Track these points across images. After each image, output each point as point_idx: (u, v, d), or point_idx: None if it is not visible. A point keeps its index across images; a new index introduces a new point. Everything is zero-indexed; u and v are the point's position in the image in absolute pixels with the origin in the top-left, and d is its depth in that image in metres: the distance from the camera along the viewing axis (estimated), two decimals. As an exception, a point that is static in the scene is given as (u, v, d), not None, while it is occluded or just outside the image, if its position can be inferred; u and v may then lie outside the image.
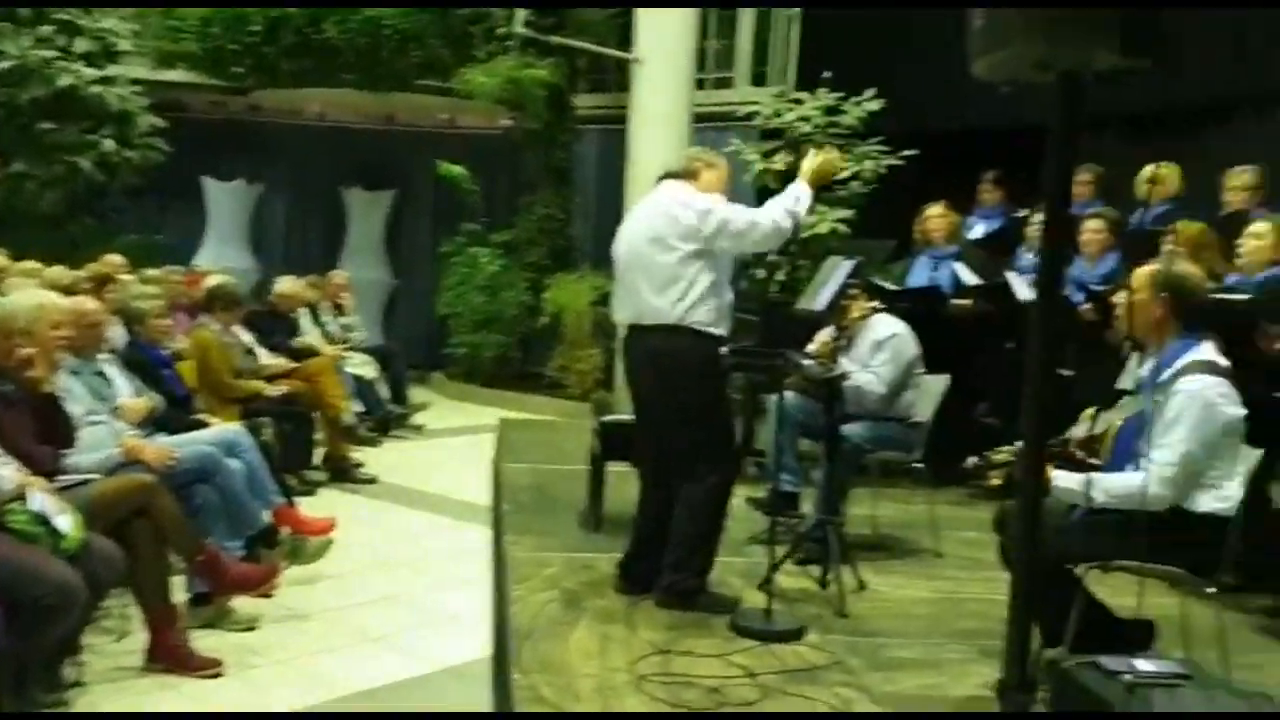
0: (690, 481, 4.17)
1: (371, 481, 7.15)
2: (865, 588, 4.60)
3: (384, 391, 8.80)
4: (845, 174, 7.90)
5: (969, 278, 6.37)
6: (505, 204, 11.88)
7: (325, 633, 4.53)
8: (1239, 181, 5.86)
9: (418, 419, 9.08)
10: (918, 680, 3.73)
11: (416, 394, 9.61)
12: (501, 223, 11.49)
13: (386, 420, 8.68)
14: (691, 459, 4.16)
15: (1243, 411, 3.51)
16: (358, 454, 7.50)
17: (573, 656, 3.75)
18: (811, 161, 4.36)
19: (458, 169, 10.79)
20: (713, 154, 4.42)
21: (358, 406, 8.06)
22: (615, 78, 11.29)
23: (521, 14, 9.85)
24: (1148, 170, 6.21)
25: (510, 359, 10.94)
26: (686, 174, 4.27)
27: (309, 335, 8.39)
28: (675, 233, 4.09)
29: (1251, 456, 3.59)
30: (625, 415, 4.94)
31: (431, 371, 11.38)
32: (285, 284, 8.42)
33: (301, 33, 10.40)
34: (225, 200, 11.83)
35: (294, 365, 7.32)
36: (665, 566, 4.24)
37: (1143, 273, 3.73)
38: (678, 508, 4.21)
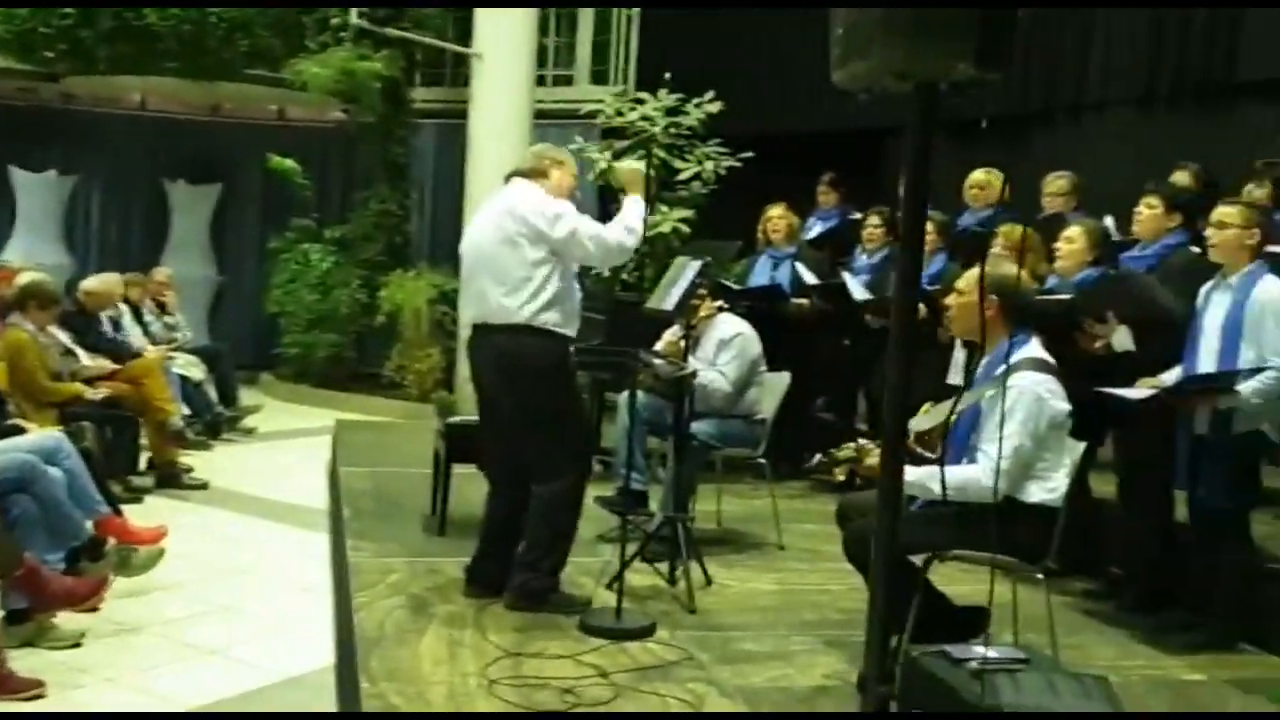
0: (544, 482, 4.14)
1: (203, 487, 6.87)
2: (712, 583, 4.67)
3: (212, 393, 8.47)
4: (686, 174, 8.02)
5: (808, 277, 6.53)
6: (339, 199, 11.59)
7: (157, 647, 4.33)
8: (1056, 186, 6.19)
9: (249, 421, 8.77)
10: (767, 673, 3.80)
11: (246, 396, 9.28)
12: (335, 218, 11.20)
13: (216, 423, 8.36)
14: (545, 460, 4.13)
15: (1068, 406, 3.71)
16: (187, 459, 7.19)
17: (422, 663, 3.69)
18: (622, 175, 4.38)
19: (288, 162, 10.45)
20: (561, 151, 4.39)
21: (185, 409, 7.73)
22: (454, 72, 11.15)
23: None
24: (974, 175, 6.50)
25: (344, 359, 10.66)
26: (536, 173, 4.22)
27: (131, 335, 7.99)
28: (525, 234, 4.05)
29: (1076, 449, 3.79)
30: (470, 416, 4.88)
31: (261, 372, 11.01)
32: (93, 282, 7.94)
33: (120, 17, 9.89)
34: (36, 192, 11.18)
35: (116, 367, 6.97)
36: (517, 565, 4.21)
37: (971, 275, 3.89)
38: (532, 508, 4.18)
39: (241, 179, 11.93)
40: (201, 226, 11.89)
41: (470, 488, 5.10)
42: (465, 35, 10.09)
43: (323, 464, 7.41)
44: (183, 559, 5.22)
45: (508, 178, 4.28)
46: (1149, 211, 4.80)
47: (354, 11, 9.63)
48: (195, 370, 8.26)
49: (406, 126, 10.83)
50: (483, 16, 9.69)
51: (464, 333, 4.42)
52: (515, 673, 3.61)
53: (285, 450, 8.36)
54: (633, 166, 4.34)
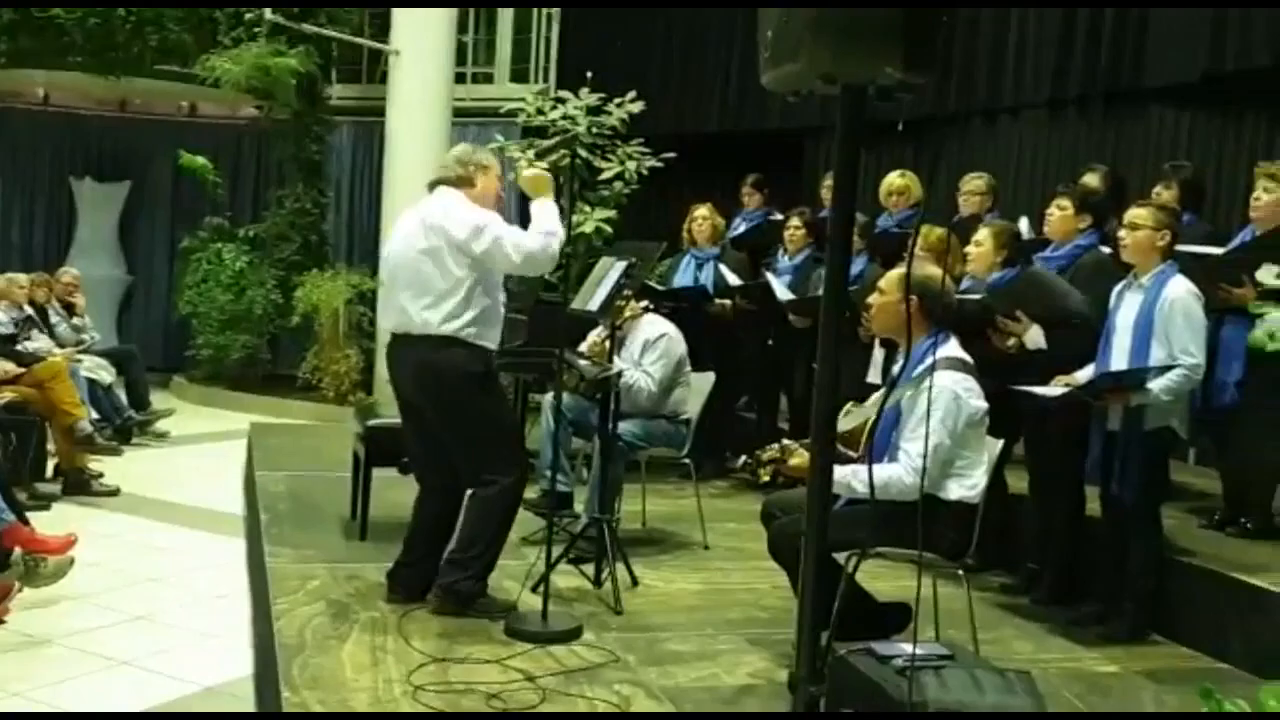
0: (479, 486, 4.08)
1: (113, 493, 6.69)
2: (639, 583, 4.66)
3: (122, 397, 8.27)
4: (609, 174, 8.01)
5: (731, 278, 6.57)
6: (252, 197, 11.38)
7: (68, 659, 4.20)
8: (973, 187, 6.31)
9: (161, 425, 8.56)
10: (693, 673, 3.80)
11: (158, 399, 9.06)
12: (249, 217, 10.99)
13: (127, 427, 8.15)
14: (479, 465, 4.07)
15: (985, 404, 3.78)
16: (96, 464, 6.99)
17: (344, 670, 3.62)
18: (525, 183, 4.23)
19: (200, 160, 10.24)
20: (484, 153, 4.27)
21: (93, 414, 7.52)
22: (372, 69, 11.01)
23: None
24: (891, 178, 6.59)
25: (259, 360, 10.47)
26: (462, 181, 4.11)
27: (36, 337, 7.75)
28: (447, 247, 3.96)
29: (994, 447, 3.86)
30: (390, 419, 4.81)
31: (173, 375, 10.76)
32: (-7, 281, 7.71)
33: (23, 10, 9.58)
34: (-68, 189, 10.82)
35: (20, 370, 6.75)
36: (446, 565, 4.14)
37: (892, 275, 3.95)
38: (466, 509, 4.11)
39: (151, 177, 11.66)
40: (110, 225, 11.59)
41: (391, 491, 5.03)
42: (383, 31, 9.98)
43: (238, 468, 7.26)
44: (93, 568, 5.08)
45: (431, 185, 4.18)
46: (1060, 213, 4.91)
47: (267, 8, 9.44)
48: (104, 373, 8.05)
49: (322, 124, 10.67)
50: (401, 13, 9.59)
51: (383, 339, 4.35)
52: (440, 678, 3.56)
53: (199, 454, 8.18)
54: (534, 173, 4.18)
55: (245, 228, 10.70)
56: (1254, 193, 4.76)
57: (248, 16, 9.83)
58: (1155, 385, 4.09)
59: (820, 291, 5.83)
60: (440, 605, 4.13)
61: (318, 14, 9.88)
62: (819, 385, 1.93)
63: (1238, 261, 4.55)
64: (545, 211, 4.10)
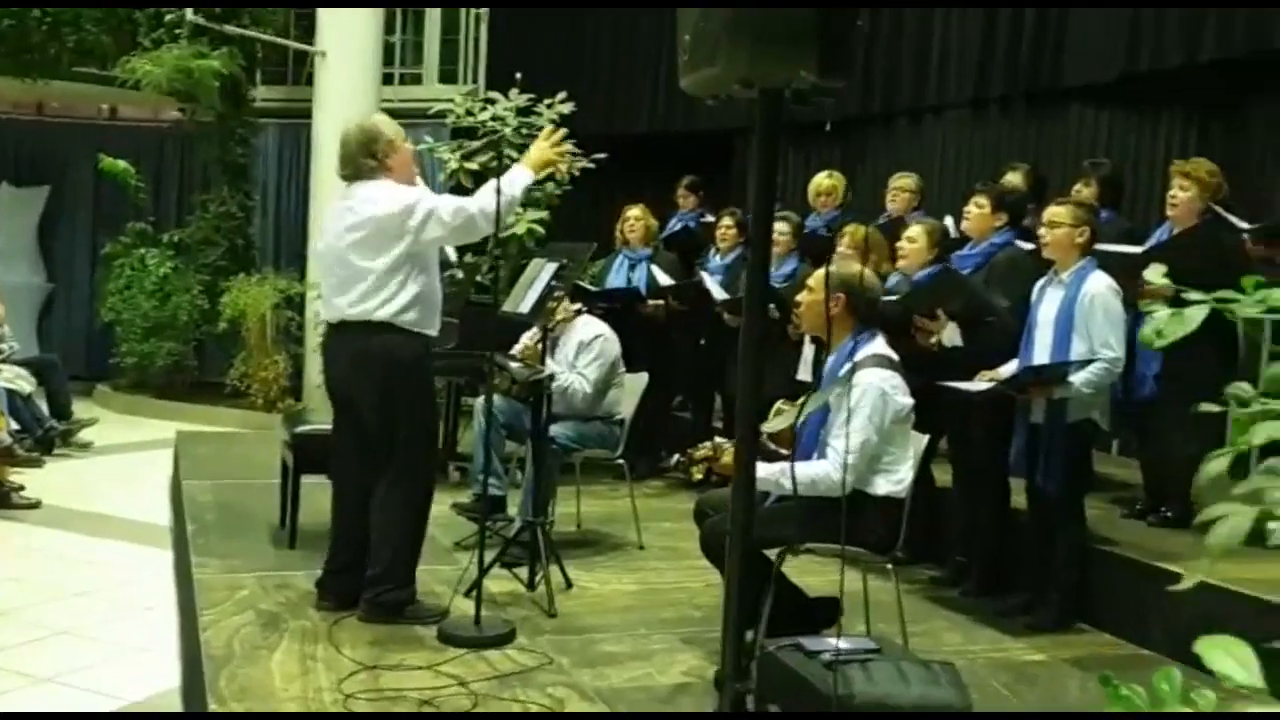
0: (388, 488, 4.05)
1: (35, 506, 6.53)
2: (573, 586, 4.66)
3: (43, 407, 8.08)
4: (540, 175, 7.98)
5: (663, 279, 6.59)
6: (176, 202, 11.17)
7: (-14, 678, 4.10)
8: (901, 185, 6.40)
9: (85, 435, 8.38)
10: (627, 673, 3.81)
11: (81, 408, 8.85)
12: (172, 222, 10.79)
13: (48, 438, 7.96)
14: (393, 463, 4.05)
15: (911, 400, 3.83)
16: (17, 476, 6.82)
17: (274, 680, 3.57)
18: (541, 149, 4.24)
19: (121, 164, 10.01)
20: (380, 126, 4.10)
21: (13, 424, 7.34)
22: (297, 70, 10.87)
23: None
24: (818, 179, 6.66)
25: (185, 368, 10.28)
26: (379, 169, 4.05)
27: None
28: (379, 232, 3.95)
29: (920, 442, 3.92)
30: (320, 425, 4.75)
31: (96, 383, 10.52)
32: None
33: (-68, 11, 9.33)
34: None
35: (-65, 381, 6.57)
36: (368, 579, 4.11)
37: (820, 274, 3.99)
38: (376, 516, 4.08)
39: (71, 181, 11.39)
40: (28, 231, 11.30)
41: (321, 498, 4.95)
42: (309, 32, 9.85)
43: (164, 478, 7.13)
44: (14, 582, 4.97)
45: (348, 181, 4.11)
46: (977, 211, 4.99)
47: (189, 8, 9.27)
48: (24, 383, 7.87)
49: (247, 126, 10.50)
50: (326, 14, 9.48)
51: (313, 343, 4.30)
52: (372, 686, 3.53)
53: (124, 464, 8.01)
54: (558, 149, 4.26)
55: (169, 233, 10.50)
56: (1170, 191, 4.86)
57: (168, 18, 9.64)
58: (1077, 379, 4.18)
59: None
60: (369, 617, 4.08)
61: (241, 15, 9.72)
62: (741, 385, 1.94)
63: (1157, 258, 4.66)
64: (519, 178, 4.16)
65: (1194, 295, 0.93)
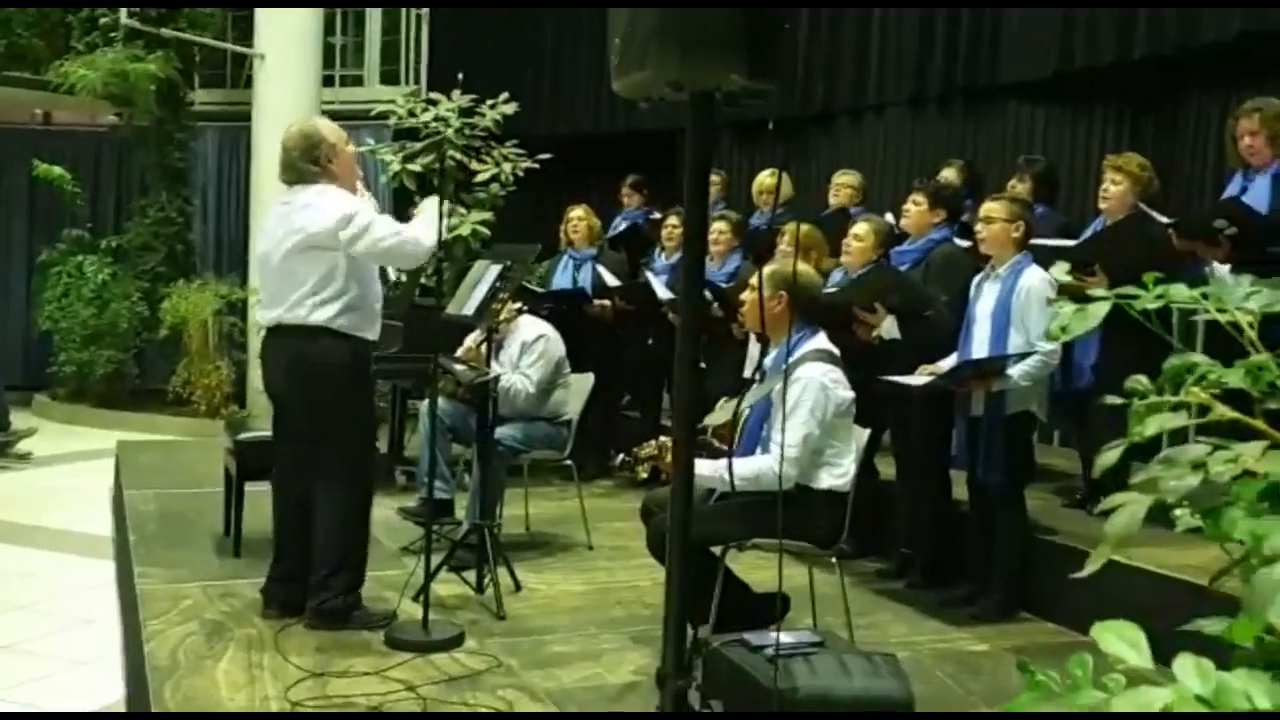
0: (327, 493, 4.00)
1: (-29, 519, 6.42)
2: (522, 588, 4.66)
3: (-20, 418, 7.92)
4: (484, 176, 7.98)
5: (609, 279, 6.60)
6: (114, 207, 11.00)
7: (-78, 696, 4.02)
8: (843, 181, 6.46)
9: (23, 446, 8.22)
10: (577, 674, 3.83)
11: (19, 419, 8.69)
12: (110, 228, 10.62)
13: (-15, 449, 7.82)
14: (330, 468, 3.99)
15: (852, 394, 3.88)
16: (-48, 490, 6.70)
17: (219, 690, 3.54)
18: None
19: (56, 170, 9.84)
20: (320, 129, 4.05)
21: (-52, 436, 7.20)
22: (236, 73, 10.75)
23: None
24: (760, 177, 6.71)
25: (126, 376, 10.13)
26: (321, 174, 4.00)
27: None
28: (316, 240, 3.91)
29: (862, 435, 3.97)
30: (262, 432, 4.71)
31: (34, 393, 10.34)
32: None
33: None
34: None
35: None
36: (313, 585, 4.06)
37: (765, 271, 4.04)
38: (318, 528, 4.02)
39: (5, 188, 11.16)
40: (-39, 240, 11.09)
41: (265, 505, 4.88)
42: (247, 35, 9.75)
43: (106, 488, 7.02)
44: (-49, 598, 4.87)
45: (289, 183, 4.06)
46: (915, 208, 5.05)
47: (124, 11, 9.14)
48: (-41, 394, 7.71)
49: (185, 130, 10.36)
50: (265, 16, 9.39)
51: (255, 349, 4.27)
52: (319, 693, 3.50)
53: (64, 475, 7.88)
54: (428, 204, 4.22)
55: (107, 239, 10.34)
56: (1103, 185, 4.96)
57: (103, 21, 9.51)
58: (1014, 371, 4.25)
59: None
60: (314, 625, 4.03)
61: (178, 18, 9.59)
62: (678, 385, 1.96)
63: (1089, 251, 4.75)
64: (428, 216, 4.11)
65: (1098, 291, 0.96)
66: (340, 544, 4.04)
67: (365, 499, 4.13)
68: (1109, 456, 0.89)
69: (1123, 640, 0.81)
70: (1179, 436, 0.98)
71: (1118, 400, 0.95)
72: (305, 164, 4.00)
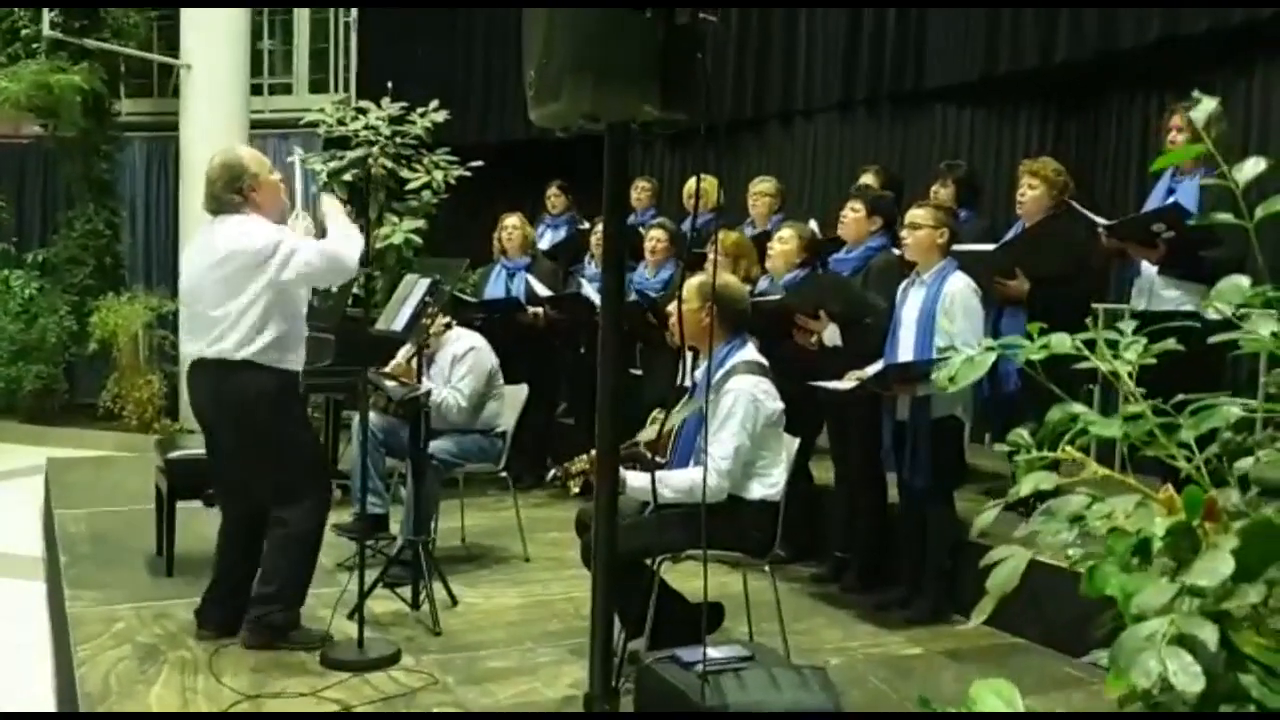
0: (281, 513, 4.02)
1: (-107, 544, 6.26)
2: (458, 602, 4.65)
3: (-99, 438, 7.73)
4: (416, 184, 7.93)
5: (540, 289, 6.59)
6: (40, 220, 10.80)
7: None
8: (761, 189, 6.53)
9: (-52, 466, 8.06)
10: (513, 689, 3.83)
11: (-56, 438, 8.52)
12: (36, 241, 10.42)
13: (-93, 471, 7.63)
14: (278, 491, 4.01)
15: (782, 405, 3.92)
16: (-128, 514, 6.53)
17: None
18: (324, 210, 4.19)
19: (-21, 183, 9.65)
20: (245, 161, 4.01)
21: None
22: (163, 82, 10.58)
23: (47, 14, 8.95)
24: (691, 184, 6.74)
25: (55, 391, 9.94)
26: (245, 204, 3.97)
27: None
28: (241, 270, 3.87)
29: (792, 445, 4.01)
30: (194, 450, 4.66)
31: (-40, 411, 10.12)
32: None
33: None
34: None
35: None
36: (254, 599, 4.06)
37: (691, 283, 4.05)
38: (269, 539, 4.05)
39: (-77, 203, 10.92)
40: (-120, 255, 10.79)
41: (198, 523, 4.87)
42: (173, 44, 9.60)
43: (36, 507, 6.89)
44: None
45: (212, 211, 4.03)
46: (853, 215, 5.09)
47: (46, 22, 8.96)
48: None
49: (112, 141, 10.19)
50: (190, 25, 9.26)
51: (185, 364, 4.21)
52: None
53: (-8, 495, 7.72)
54: (327, 202, 4.19)
55: (33, 252, 10.15)
56: (1019, 189, 5.04)
57: (25, 32, 9.33)
58: (938, 376, 4.30)
59: (630, 297, 5.97)
60: (252, 639, 4.04)
61: (101, 29, 9.42)
62: (600, 401, 1.97)
63: (1010, 255, 4.84)
64: (342, 221, 4.10)
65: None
66: (291, 564, 4.06)
67: (319, 519, 4.13)
68: (985, 518, 0.92)
69: (1000, 699, 0.84)
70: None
71: (1005, 448, 0.97)
72: (229, 194, 3.97)
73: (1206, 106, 1.02)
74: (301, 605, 4.14)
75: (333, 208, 4.17)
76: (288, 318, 3.98)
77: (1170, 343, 1.00)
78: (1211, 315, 1.00)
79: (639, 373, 5.98)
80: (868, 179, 6.00)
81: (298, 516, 4.03)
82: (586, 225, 7.09)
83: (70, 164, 10.08)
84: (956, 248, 4.56)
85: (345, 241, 4.00)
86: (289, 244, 3.92)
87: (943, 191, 5.66)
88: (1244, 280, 0.97)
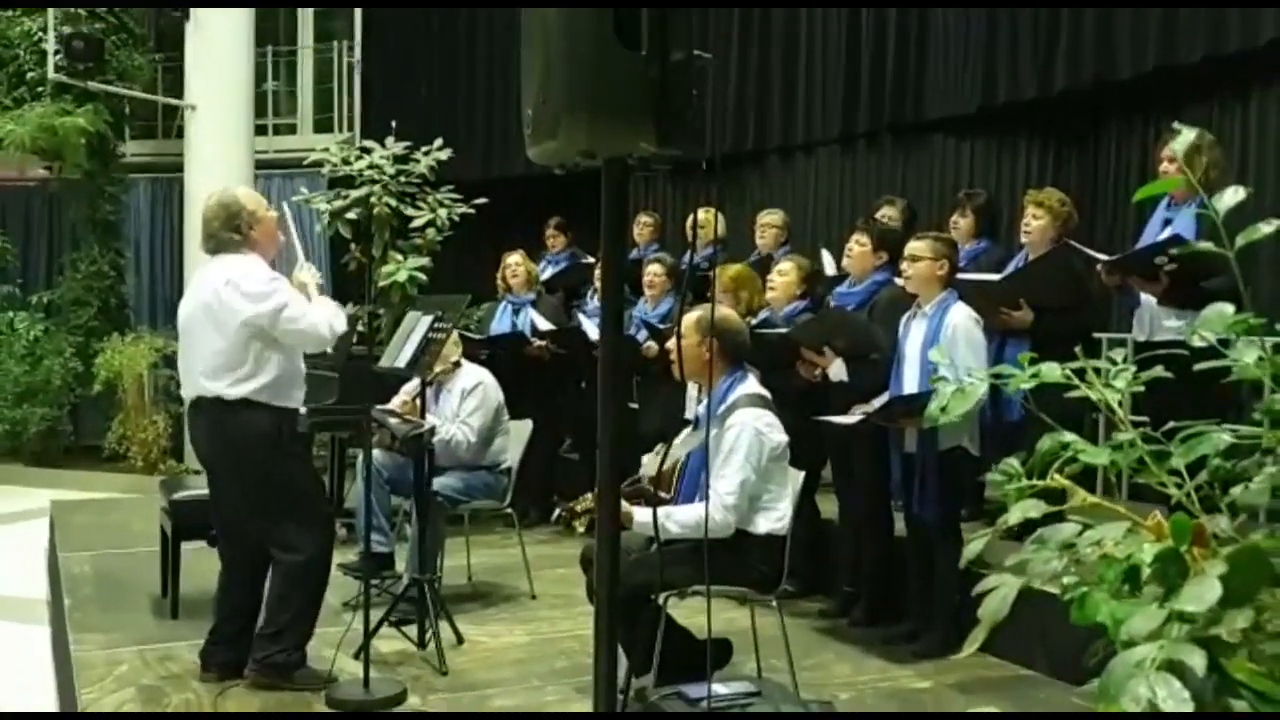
0: (284, 553, 4.00)
1: (-101, 587, 6.25)
2: (464, 641, 4.62)
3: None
4: (420, 222, 7.98)
5: (542, 324, 6.61)
6: (45, 262, 10.86)
7: None
8: (767, 221, 6.54)
9: (-46, 509, 8.06)
10: (520, 728, 3.80)
11: (-50, 480, 8.53)
12: (42, 283, 10.48)
13: (-87, 514, 7.62)
14: (280, 532, 4.00)
15: (786, 438, 3.91)
16: (-122, 558, 6.52)
17: (156, 761, 3.49)
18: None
19: (-15, 226, 9.72)
20: (245, 199, 4.05)
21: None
22: (167, 124, 10.68)
23: (52, 59, 9.05)
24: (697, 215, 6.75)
25: (60, 433, 9.96)
26: (243, 243, 3.99)
27: None
28: (236, 311, 3.87)
29: (798, 478, 4.00)
30: (198, 490, 4.66)
31: (-35, 454, 10.14)
32: None
33: None
34: None
35: None
36: (258, 639, 4.04)
37: (690, 317, 4.04)
38: (272, 579, 4.04)
39: (-69, 245, 10.99)
40: (-112, 297, 10.85)
41: (204, 564, 4.85)
42: (178, 85, 9.69)
43: (41, 550, 6.88)
44: (-124, 672, 4.74)
45: (210, 250, 4.05)
46: (859, 249, 5.09)
47: (51, 65, 9.06)
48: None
49: (117, 182, 10.26)
50: (195, 66, 9.35)
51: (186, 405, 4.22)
52: (258, 760, 3.46)
53: (-3, 538, 7.72)
54: (301, 280, 4.14)
55: (39, 294, 10.21)
56: (1024, 220, 5.05)
57: (30, 75, 9.43)
58: (931, 407, 4.28)
59: (632, 331, 5.99)
60: (257, 680, 4.02)
61: (106, 71, 9.52)
62: (600, 432, 1.97)
63: (1014, 286, 4.84)
64: (316, 295, 4.10)
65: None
66: (295, 604, 4.04)
67: (323, 559, 4.11)
68: (974, 547, 0.92)
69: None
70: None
71: (998, 478, 0.98)
72: (226, 233, 3.99)
73: (1186, 138, 1.03)
74: (305, 646, 4.11)
75: (310, 278, 4.15)
76: (285, 357, 3.98)
77: (1158, 370, 1.00)
78: (1197, 343, 1.01)
79: (635, 406, 5.98)
80: (890, 211, 5.99)
81: (299, 557, 4.01)
82: (590, 260, 7.12)
83: (75, 205, 10.15)
84: (959, 277, 4.56)
85: (322, 313, 3.99)
86: (282, 296, 3.90)
87: (962, 221, 5.64)
88: (1228, 308, 0.98)
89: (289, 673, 4.03)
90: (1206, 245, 1.02)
